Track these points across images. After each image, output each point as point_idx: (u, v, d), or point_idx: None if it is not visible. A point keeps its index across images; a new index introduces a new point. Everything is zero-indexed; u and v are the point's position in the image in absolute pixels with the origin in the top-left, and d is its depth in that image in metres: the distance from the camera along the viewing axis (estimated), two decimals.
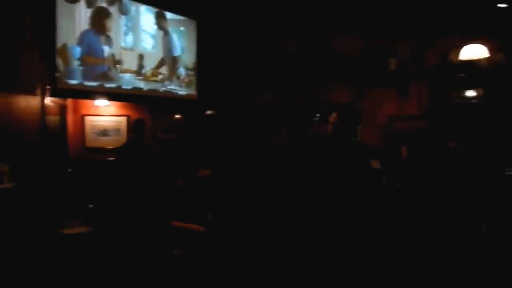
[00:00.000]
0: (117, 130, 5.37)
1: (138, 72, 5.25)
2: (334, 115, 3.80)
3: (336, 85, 6.41)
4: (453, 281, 3.63)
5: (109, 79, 4.91)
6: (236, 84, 6.24)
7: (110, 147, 5.20)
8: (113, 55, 4.96)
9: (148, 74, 5.36)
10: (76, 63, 4.55)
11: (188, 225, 3.42)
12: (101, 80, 4.82)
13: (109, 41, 4.93)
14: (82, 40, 4.62)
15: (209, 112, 6.20)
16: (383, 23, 6.23)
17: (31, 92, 4.10)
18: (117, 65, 5.01)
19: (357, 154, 3.61)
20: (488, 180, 5.26)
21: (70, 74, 4.51)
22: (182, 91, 5.84)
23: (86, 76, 4.65)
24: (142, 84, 5.28)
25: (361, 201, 3.40)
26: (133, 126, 4.58)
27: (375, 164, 5.78)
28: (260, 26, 6.25)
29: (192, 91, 5.97)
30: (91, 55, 4.73)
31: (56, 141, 4.59)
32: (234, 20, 6.22)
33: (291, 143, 6.25)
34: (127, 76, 5.10)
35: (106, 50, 4.89)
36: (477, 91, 6.77)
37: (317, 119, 6.35)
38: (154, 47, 5.48)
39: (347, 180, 3.27)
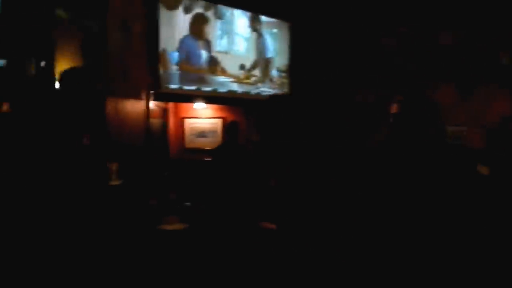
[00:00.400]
0: (214, 132, 5.61)
1: (232, 75, 5.43)
2: (395, 106, 3.37)
3: (440, 83, 5.96)
4: None
5: (205, 82, 5.15)
6: (331, 84, 6.12)
7: (207, 148, 5.46)
8: (211, 58, 5.17)
9: (242, 76, 5.51)
10: (174, 68, 4.83)
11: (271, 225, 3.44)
12: (197, 84, 5.07)
13: (207, 46, 5.15)
14: (181, 46, 4.88)
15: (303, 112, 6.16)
16: (491, 12, 5.64)
17: (137, 96, 4.46)
18: (212, 69, 5.21)
19: (459, 162, 3.27)
20: None
21: (170, 78, 4.82)
22: (278, 90, 5.89)
23: (184, 80, 4.92)
24: (235, 87, 5.45)
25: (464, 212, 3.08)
26: (227, 128, 4.74)
27: (484, 170, 5.27)
28: (356, 24, 6.06)
29: (286, 90, 6.00)
30: (189, 61, 4.99)
31: (159, 142, 4.94)
32: (329, 20, 6.11)
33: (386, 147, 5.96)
34: (221, 79, 5.29)
35: (204, 55, 5.12)
36: None
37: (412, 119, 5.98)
38: (248, 49, 5.62)
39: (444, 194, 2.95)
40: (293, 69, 6.05)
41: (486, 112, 5.95)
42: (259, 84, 5.74)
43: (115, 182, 3.08)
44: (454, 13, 5.76)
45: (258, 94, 5.74)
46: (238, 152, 4.55)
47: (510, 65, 5.74)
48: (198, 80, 5.10)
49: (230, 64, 5.41)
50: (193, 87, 5.04)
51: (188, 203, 3.68)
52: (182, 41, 4.91)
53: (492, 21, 5.78)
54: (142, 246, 2.93)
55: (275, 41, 5.92)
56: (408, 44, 5.98)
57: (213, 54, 5.23)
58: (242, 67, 5.53)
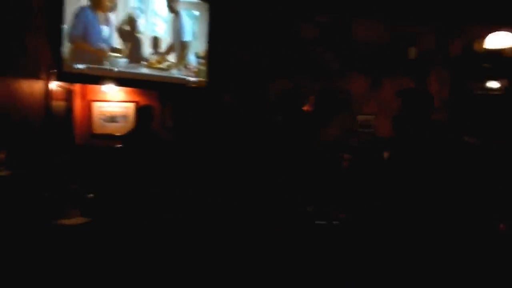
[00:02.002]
0: (125, 117, 5.28)
1: (142, 58, 4.99)
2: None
3: (354, 73, 6.18)
4: None
5: (112, 65, 4.68)
6: (250, 71, 6.04)
7: (117, 134, 5.12)
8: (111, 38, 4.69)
9: (153, 61, 5.12)
10: (70, 45, 4.32)
11: None
12: (99, 64, 4.57)
13: (107, 21, 4.67)
14: (78, 19, 4.35)
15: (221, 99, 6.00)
16: (405, 10, 5.93)
17: (35, 76, 4.01)
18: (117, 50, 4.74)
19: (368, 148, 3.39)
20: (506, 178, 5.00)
21: (76, 57, 4.38)
22: (194, 78, 5.64)
23: (87, 59, 4.42)
24: (145, 71, 5.04)
25: None
26: (139, 113, 4.47)
27: (387, 156, 5.58)
28: (276, 11, 6.01)
29: (203, 78, 5.77)
30: (87, 38, 4.46)
31: (62, 127, 4.51)
32: (249, 4, 5.98)
33: None
34: (122, 61, 4.79)
35: (106, 31, 4.63)
36: (500, 82, 6.47)
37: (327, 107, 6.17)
38: (163, 31, 5.29)
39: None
40: (212, 56, 5.81)
41: (394, 102, 6.29)
42: (173, 70, 5.40)
43: (2, 173, 2.71)
44: (368, 7, 5.96)
45: (177, 78, 5.42)
46: (150, 139, 4.31)
47: (416, 59, 6.11)
48: (97, 60, 4.57)
49: (143, 46, 5.02)
50: (104, 67, 4.61)
51: (91, 194, 3.39)
52: (79, 14, 4.35)
53: (404, 19, 6.09)
54: (34, 244, 2.63)
55: (196, 24, 5.61)
56: (326, 34, 6.08)
57: (119, 32, 4.74)
58: (155, 50, 5.16)
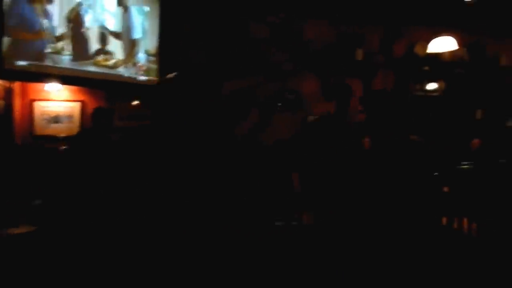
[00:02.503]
0: (70, 117, 5.00)
1: (85, 56, 4.72)
2: None
3: (305, 74, 6.28)
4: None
5: (45, 60, 4.36)
6: (202, 70, 5.95)
7: (62, 135, 4.85)
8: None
9: (99, 58, 4.88)
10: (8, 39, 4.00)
11: None
12: (40, 61, 4.28)
13: (47, 14, 4.32)
14: (12, 11, 4.01)
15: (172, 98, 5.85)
16: (353, 12, 6.12)
17: None
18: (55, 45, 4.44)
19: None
20: (445, 173, 5.34)
21: (18, 54, 4.07)
22: (143, 76, 5.45)
23: (22, 56, 4.11)
24: (91, 69, 4.77)
25: None
26: (94, 115, 4.24)
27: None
28: (228, 9, 5.97)
29: (153, 76, 5.60)
30: (23, 28, 4.13)
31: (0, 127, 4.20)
32: (201, 2, 5.88)
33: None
34: (66, 58, 4.51)
35: (44, 24, 4.31)
36: (439, 84, 6.88)
37: (278, 108, 6.24)
38: (111, 27, 5.06)
39: None
40: (163, 54, 5.64)
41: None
42: (120, 69, 5.17)
43: None
44: (317, 8, 6.08)
45: (125, 77, 5.20)
46: (101, 141, 4.12)
47: (363, 61, 6.33)
48: (39, 57, 4.26)
49: (87, 42, 4.76)
50: (47, 65, 4.33)
51: (38, 201, 3.18)
52: (13, 5, 3.99)
53: (352, 20, 6.29)
54: None
55: (146, 20, 5.42)
56: (277, 34, 6.13)
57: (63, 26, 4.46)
58: (102, 47, 4.91)
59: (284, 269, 3.29)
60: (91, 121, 4.52)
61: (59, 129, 4.90)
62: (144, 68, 5.42)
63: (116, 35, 5.05)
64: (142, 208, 4.06)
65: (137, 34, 5.34)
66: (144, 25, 5.43)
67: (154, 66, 5.53)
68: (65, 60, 4.52)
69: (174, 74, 5.35)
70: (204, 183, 5.00)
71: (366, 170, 5.47)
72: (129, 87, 5.32)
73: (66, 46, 4.51)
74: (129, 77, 5.25)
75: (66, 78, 4.60)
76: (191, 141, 5.51)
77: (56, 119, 4.90)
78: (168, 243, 3.49)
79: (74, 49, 4.58)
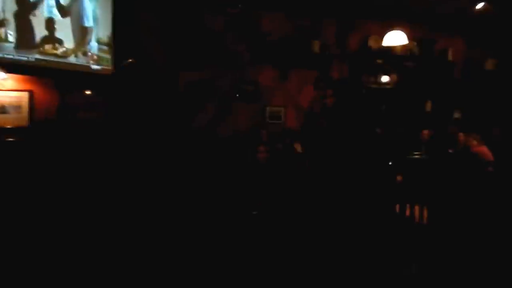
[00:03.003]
0: (17, 107, 4.70)
1: (32, 45, 4.42)
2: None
3: (263, 66, 6.29)
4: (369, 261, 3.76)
5: None
6: (158, 59, 5.79)
7: (8, 126, 4.56)
8: None
9: (47, 46, 4.59)
10: None
11: None
12: None
13: None
14: None
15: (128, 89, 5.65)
16: (308, 5, 6.18)
17: None
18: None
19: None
20: (398, 162, 5.56)
21: None
22: (95, 65, 5.23)
23: None
24: (38, 57, 4.48)
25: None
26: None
27: (298, 147, 5.83)
28: (186, 1, 5.83)
29: (106, 66, 5.38)
30: None
31: None
32: None
33: None
34: (10, 45, 4.19)
35: None
36: (391, 77, 7.12)
37: (236, 98, 6.22)
38: (60, 14, 4.78)
39: None
40: (117, 43, 5.43)
41: (300, 94, 6.58)
42: (71, 58, 4.88)
43: None
44: (275, 2, 6.08)
45: (74, 64, 4.95)
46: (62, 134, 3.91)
47: (320, 53, 6.43)
48: None
49: (33, 29, 4.46)
50: None
51: None
52: None
53: (308, 13, 6.35)
54: None
55: (98, 7, 5.18)
56: (235, 26, 6.08)
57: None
58: (50, 34, 4.62)
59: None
60: (55, 114, 4.28)
61: (6, 120, 4.60)
62: (95, 57, 5.19)
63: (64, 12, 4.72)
64: (101, 199, 3.93)
65: (88, 22, 5.10)
66: (96, 13, 5.20)
67: (106, 56, 5.31)
68: (9, 47, 4.23)
69: (129, 61, 5.18)
70: (160, 175, 4.90)
71: (329, 156, 5.58)
72: (81, 76, 5.07)
73: (10, 33, 4.22)
74: (82, 65, 5.01)
75: (9, 66, 4.31)
76: (148, 132, 5.38)
77: (2, 109, 4.60)
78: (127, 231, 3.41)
79: (18, 36, 4.30)
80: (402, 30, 5.57)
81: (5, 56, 4.21)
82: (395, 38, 5.35)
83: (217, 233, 3.70)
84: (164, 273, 2.93)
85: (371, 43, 6.76)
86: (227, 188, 4.47)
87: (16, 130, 4.60)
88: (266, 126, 6.21)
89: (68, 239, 3.13)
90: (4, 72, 4.49)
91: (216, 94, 6.09)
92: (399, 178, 5.22)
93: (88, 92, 5.28)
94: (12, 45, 4.27)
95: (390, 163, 5.28)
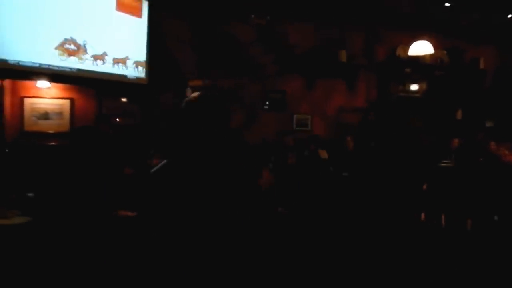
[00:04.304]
0: (59, 114, 5.05)
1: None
2: None
3: (290, 75, 6.42)
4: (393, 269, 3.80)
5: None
6: (188, 71, 6.02)
7: (51, 132, 4.91)
8: None
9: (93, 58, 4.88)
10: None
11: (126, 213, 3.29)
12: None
13: None
14: None
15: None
16: (335, 15, 6.29)
17: None
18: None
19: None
20: (426, 171, 5.55)
21: (5, 51, 4.13)
22: (131, 75, 5.50)
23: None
24: (81, 67, 4.79)
25: None
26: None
27: (323, 154, 5.93)
28: (212, 12, 6.05)
29: (141, 74, 5.65)
30: None
31: None
32: (187, 5, 5.94)
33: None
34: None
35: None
36: (420, 86, 7.11)
37: (266, 107, 6.38)
38: None
39: None
40: (152, 52, 5.66)
41: (326, 102, 6.68)
42: (109, 68, 5.05)
43: None
44: (301, 11, 6.22)
45: (114, 75, 5.23)
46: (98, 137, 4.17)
47: (347, 63, 6.51)
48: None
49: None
50: (35, 63, 4.38)
51: (31, 194, 3.25)
52: None
53: (335, 23, 6.46)
54: None
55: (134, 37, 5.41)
56: (264, 36, 6.24)
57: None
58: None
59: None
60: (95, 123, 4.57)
61: (48, 126, 4.95)
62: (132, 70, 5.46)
63: None
64: (137, 203, 4.12)
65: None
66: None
67: (141, 68, 5.59)
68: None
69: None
70: (198, 181, 5.08)
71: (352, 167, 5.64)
72: (118, 85, 5.35)
73: None
74: (118, 76, 5.29)
75: (55, 76, 4.65)
76: (182, 140, 5.59)
77: (45, 116, 4.95)
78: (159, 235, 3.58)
79: None
80: (431, 40, 5.61)
81: (50, 67, 4.55)
82: (421, 48, 5.39)
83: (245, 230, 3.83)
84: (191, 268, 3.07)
85: (400, 52, 6.79)
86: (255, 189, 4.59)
87: (58, 135, 4.93)
88: (293, 133, 6.31)
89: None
90: (49, 82, 4.84)
91: (244, 102, 6.25)
92: (424, 186, 5.23)
93: (124, 100, 5.59)
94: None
95: (418, 171, 5.30)
